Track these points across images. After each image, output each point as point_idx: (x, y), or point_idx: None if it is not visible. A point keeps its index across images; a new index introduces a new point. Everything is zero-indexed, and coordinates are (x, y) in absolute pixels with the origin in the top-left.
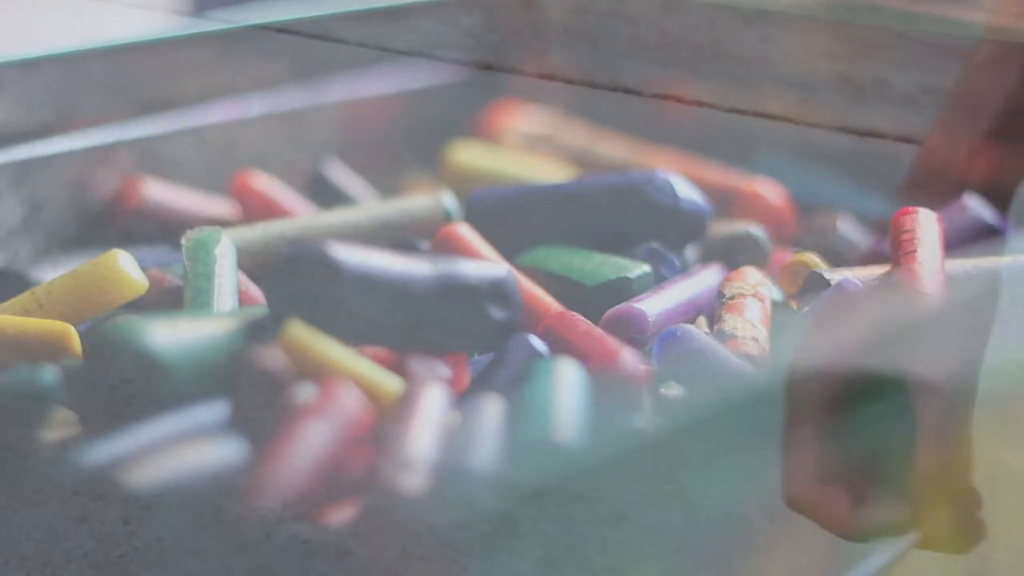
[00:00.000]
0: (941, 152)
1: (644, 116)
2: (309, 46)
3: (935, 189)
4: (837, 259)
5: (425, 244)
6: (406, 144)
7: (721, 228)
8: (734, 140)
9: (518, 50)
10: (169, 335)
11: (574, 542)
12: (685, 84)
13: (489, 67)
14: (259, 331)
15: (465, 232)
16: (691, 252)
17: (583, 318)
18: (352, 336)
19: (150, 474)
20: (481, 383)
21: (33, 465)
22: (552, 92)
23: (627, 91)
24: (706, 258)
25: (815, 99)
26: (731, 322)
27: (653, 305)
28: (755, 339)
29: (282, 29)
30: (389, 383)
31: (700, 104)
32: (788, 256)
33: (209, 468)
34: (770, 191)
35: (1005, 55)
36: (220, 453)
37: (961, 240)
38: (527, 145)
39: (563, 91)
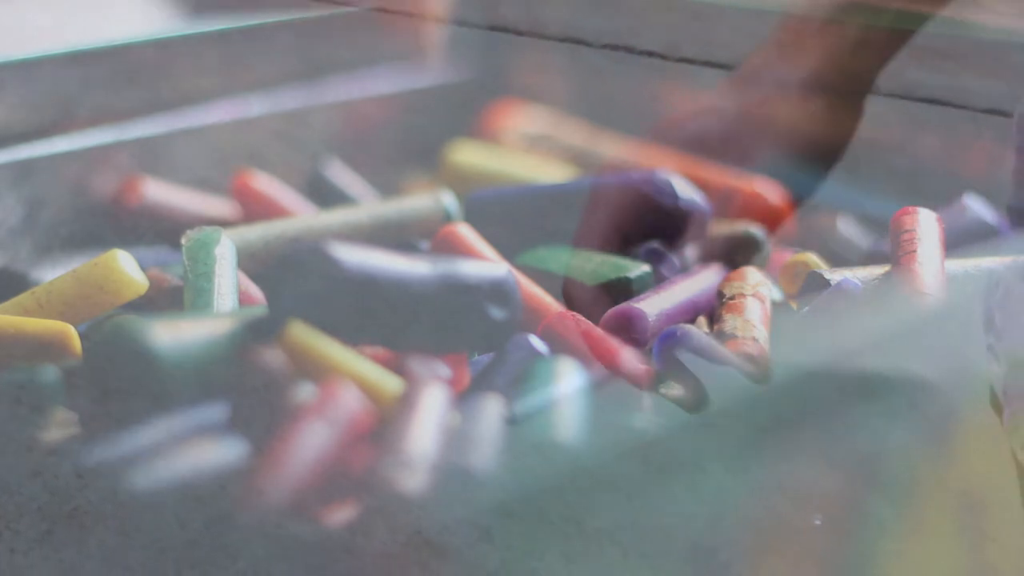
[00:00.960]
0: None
1: (594, 67)
2: (310, 45)
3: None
4: (837, 259)
5: (425, 244)
6: (406, 144)
7: (721, 228)
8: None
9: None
10: (169, 335)
11: (574, 542)
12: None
13: (439, 18)
14: (259, 331)
15: (465, 232)
16: (691, 252)
17: (583, 318)
18: (351, 334)
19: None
20: (481, 383)
21: None
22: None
23: (578, 42)
24: (706, 258)
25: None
26: (731, 322)
27: (653, 305)
28: (755, 339)
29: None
30: (389, 383)
31: (650, 54)
32: (788, 256)
33: (209, 468)
34: (770, 191)
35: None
36: (220, 453)
37: (961, 240)
38: (527, 145)
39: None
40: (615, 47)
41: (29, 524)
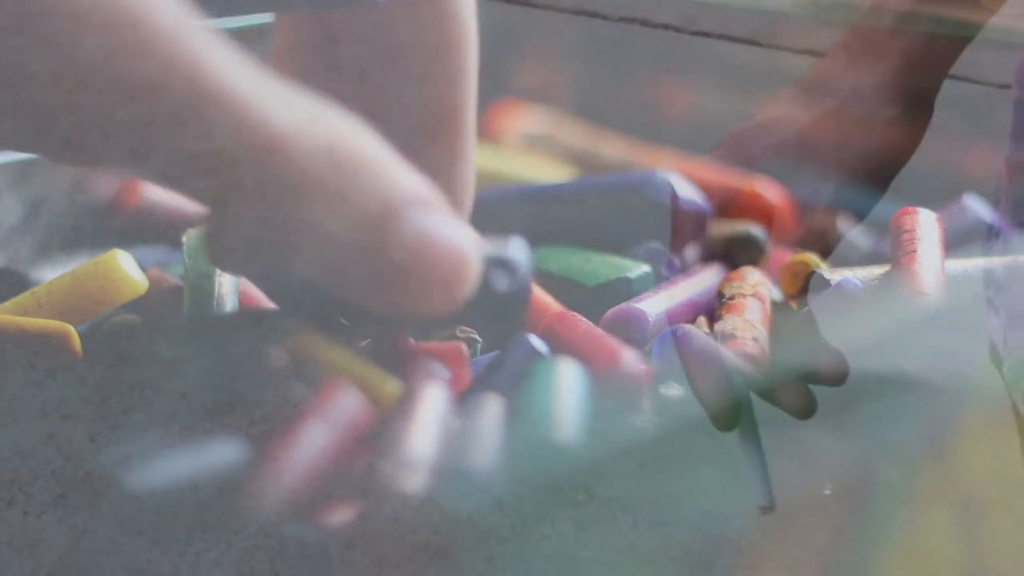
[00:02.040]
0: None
1: (610, 40)
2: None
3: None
4: (837, 259)
5: None
6: None
7: (721, 228)
8: (701, 64)
9: None
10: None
11: (573, 542)
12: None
13: None
14: (260, 331)
15: None
16: (691, 252)
17: (583, 318)
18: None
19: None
20: (481, 383)
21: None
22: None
23: (592, 15)
24: (706, 258)
25: (782, 22)
26: (731, 322)
27: (653, 305)
28: (755, 339)
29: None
30: (389, 383)
31: (666, 27)
32: (788, 256)
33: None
34: (770, 191)
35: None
36: (220, 453)
37: (961, 240)
38: (527, 145)
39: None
40: (631, 20)
41: (42, 488)
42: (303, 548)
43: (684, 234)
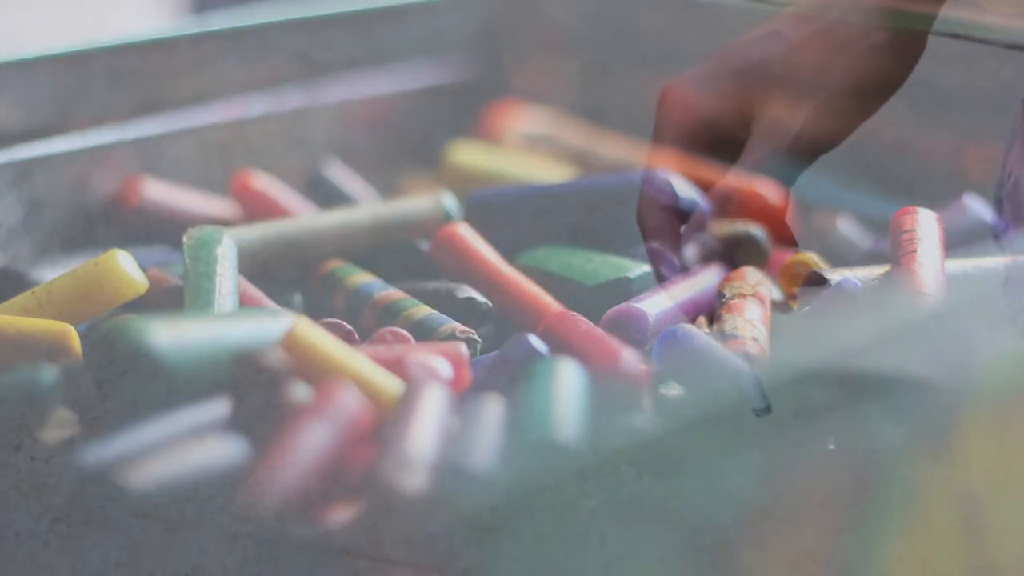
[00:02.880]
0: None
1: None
2: (310, 45)
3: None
4: (837, 259)
5: (425, 244)
6: (406, 144)
7: (721, 228)
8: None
9: None
10: (170, 335)
11: (573, 542)
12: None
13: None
14: (260, 331)
15: (465, 232)
16: (691, 252)
17: (583, 318)
18: None
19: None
20: (481, 383)
21: None
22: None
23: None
24: (706, 258)
25: None
26: (731, 322)
27: (653, 305)
28: (755, 339)
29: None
30: (389, 383)
31: None
32: (788, 256)
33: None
34: (770, 191)
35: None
36: (220, 453)
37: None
38: (527, 145)
39: None
40: None
41: (49, 433)
42: (303, 547)
43: (684, 234)
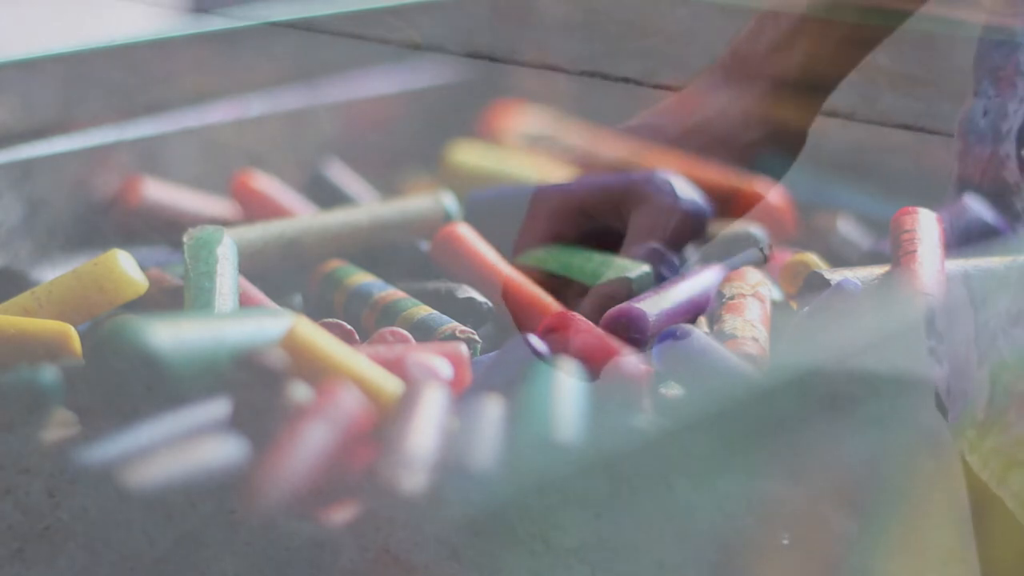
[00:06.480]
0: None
1: (571, 95)
2: (310, 45)
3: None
4: (837, 259)
5: (425, 244)
6: (406, 144)
7: (721, 228)
8: None
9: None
10: (170, 335)
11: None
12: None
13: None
14: (260, 331)
15: (465, 232)
16: (691, 252)
17: (583, 318)
18: None
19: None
20: (481, 383)
21: None
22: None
23: (554, 69)
24: (706, 258)
25: None
26: (731, 322)
27: (653, 305)
28: (755, 339)
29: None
30: (389, 383)
31: (626, 80)
32: (788, 256)
33: (209, 468)
34: (770, 191)
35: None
36: (220, 453)
37: (961, 240)
38: (527, 145)
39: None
40: (592, 74)
41: (0, 543)
42: (303, 546)
43: (684, 234)
